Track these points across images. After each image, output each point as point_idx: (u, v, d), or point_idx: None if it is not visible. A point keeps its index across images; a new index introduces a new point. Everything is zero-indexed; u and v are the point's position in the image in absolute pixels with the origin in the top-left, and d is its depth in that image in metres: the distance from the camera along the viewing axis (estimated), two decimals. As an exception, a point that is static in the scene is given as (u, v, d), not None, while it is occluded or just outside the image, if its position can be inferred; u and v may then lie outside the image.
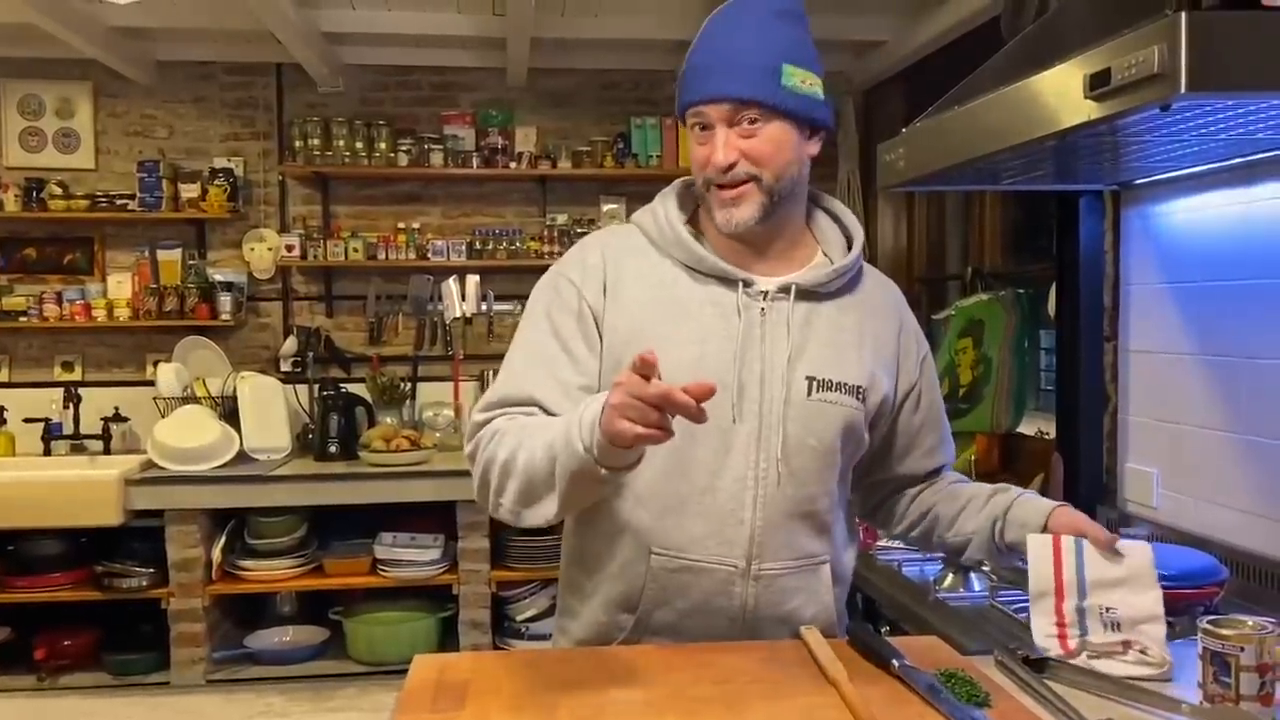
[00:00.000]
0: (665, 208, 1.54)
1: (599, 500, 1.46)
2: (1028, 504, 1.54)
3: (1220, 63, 1.30)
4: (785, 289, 1.48)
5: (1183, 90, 1.29)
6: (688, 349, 1.43)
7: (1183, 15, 1.29)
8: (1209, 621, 1.30)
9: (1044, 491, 2.78)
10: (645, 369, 1.16)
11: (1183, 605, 1.74)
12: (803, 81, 1.44)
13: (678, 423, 1.21)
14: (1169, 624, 1.75)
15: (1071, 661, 1.43)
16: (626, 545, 1.48)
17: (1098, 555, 1.44)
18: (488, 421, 1.45)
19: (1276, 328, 1.99)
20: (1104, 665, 1.43)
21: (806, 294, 1.49)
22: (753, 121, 1.42)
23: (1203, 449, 2.21)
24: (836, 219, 1.61)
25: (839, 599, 1.57)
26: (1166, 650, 1.44)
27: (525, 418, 1.42)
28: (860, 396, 1.50)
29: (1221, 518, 2.15)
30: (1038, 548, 1.47)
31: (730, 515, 1.45)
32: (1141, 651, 1.43)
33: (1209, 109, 1.45)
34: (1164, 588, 1.69)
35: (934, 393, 1.65)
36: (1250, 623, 1.29)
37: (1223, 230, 2.15)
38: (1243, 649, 1.26)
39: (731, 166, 1.43)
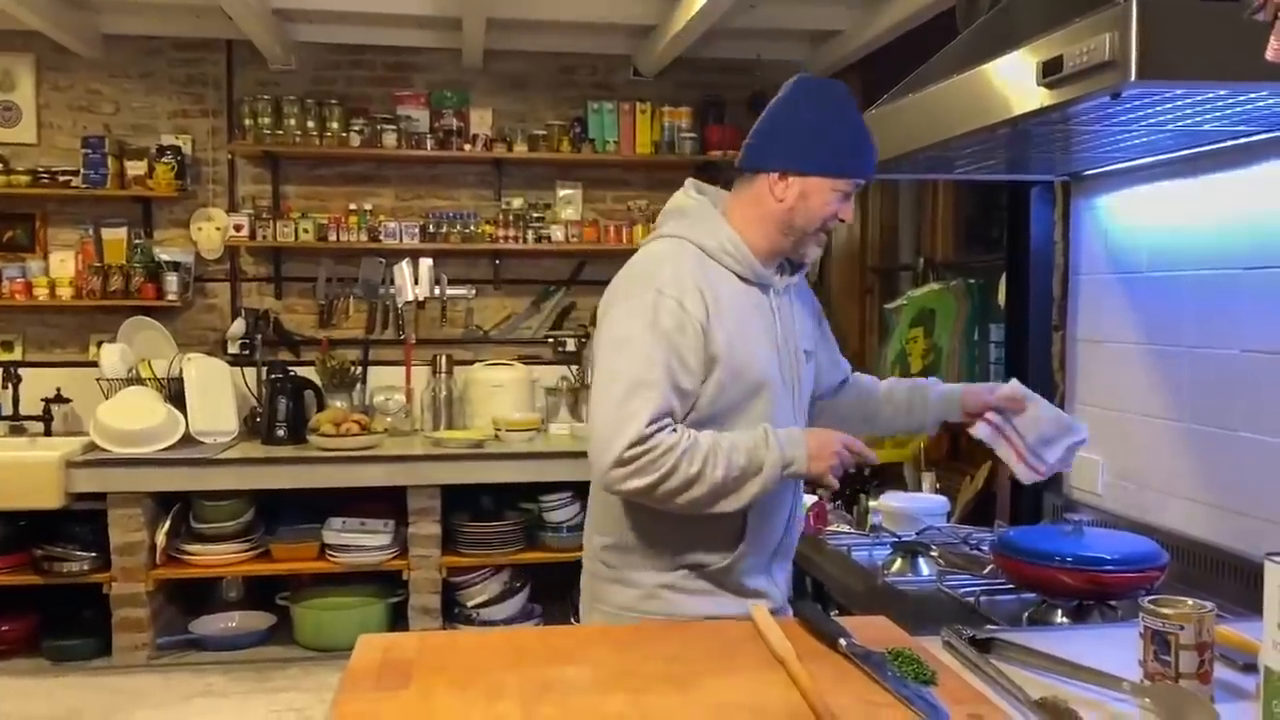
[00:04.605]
0: (723, 228, 1.79)
1: None
2: (945, 395, 2.03)
3: (1169, 51, 1.33)
4: (786, 288, 1.86)
5: (1133, 78, 1.32)
6: (764, 343, 1.78)
7: (1134, 4, 1.31)
8: (1150, 601, 1.32)
9: (991, 480, 2.83)
10: None
11: (1124, 589, 1.77)
12: None
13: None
14: (1112, 607, 1.80)
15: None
16: None
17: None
18: (654, 434, 1.61)
19: (1220, 319, 2.03)
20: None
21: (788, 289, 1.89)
22: None
23: (1147, 437, 2.25)
24: None
25: None
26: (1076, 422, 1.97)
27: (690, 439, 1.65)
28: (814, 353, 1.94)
29: (1164, 504, 2.19)
30: (988, 434, 1.96)
31: None
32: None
33: (1157, 97, 1.48)
34: (1106, 572, 1.75)
35: (825, 319, 2.06)
36: (1190, 602, 1.32)
37: (1169, 222, 2.18)
38: (1182, 627, 1.28)
39: None
